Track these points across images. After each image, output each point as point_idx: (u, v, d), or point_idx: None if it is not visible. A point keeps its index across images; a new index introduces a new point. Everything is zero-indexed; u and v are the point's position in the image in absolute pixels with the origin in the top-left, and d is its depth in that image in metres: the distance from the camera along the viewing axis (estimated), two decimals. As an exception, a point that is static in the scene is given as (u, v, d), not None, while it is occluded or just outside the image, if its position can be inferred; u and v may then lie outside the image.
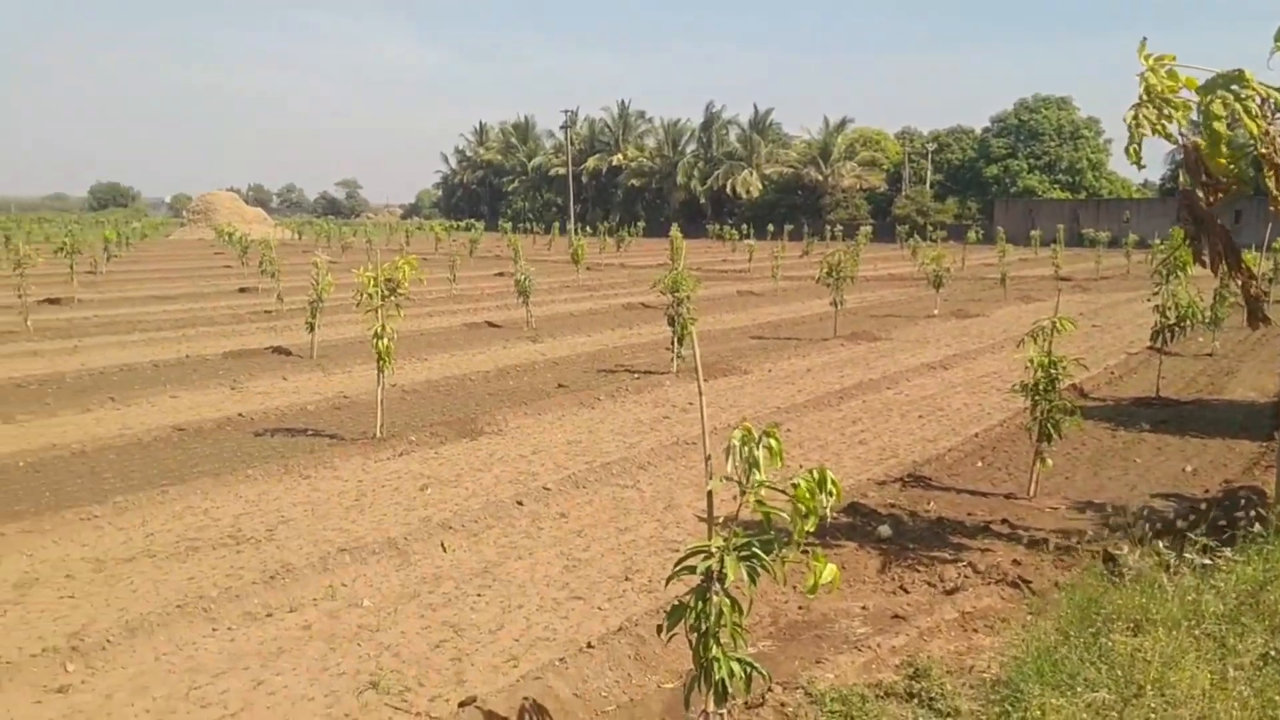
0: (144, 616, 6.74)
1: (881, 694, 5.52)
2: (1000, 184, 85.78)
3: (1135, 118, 6.42)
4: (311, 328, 18.50)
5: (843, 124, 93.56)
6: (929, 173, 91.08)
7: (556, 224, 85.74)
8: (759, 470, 4.14)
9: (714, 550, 4.28)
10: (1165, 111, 6.41)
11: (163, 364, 18.16)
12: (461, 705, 5.51)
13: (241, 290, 33.88)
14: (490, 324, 24.64)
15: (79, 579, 7.62)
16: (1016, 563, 7.79)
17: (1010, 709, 5.24)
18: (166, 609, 6.90)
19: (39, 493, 10.01)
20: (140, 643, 6.40)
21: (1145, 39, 6.51)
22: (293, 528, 8.84)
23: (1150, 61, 6.45)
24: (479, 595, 7.30)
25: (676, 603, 4.50)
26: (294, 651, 6.36)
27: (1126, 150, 6.66)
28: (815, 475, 4.14)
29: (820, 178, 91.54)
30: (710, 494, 4.41)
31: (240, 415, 13.56)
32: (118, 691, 5.82)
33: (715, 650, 4.38)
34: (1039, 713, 5.14)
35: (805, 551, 4.22)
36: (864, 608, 7.16)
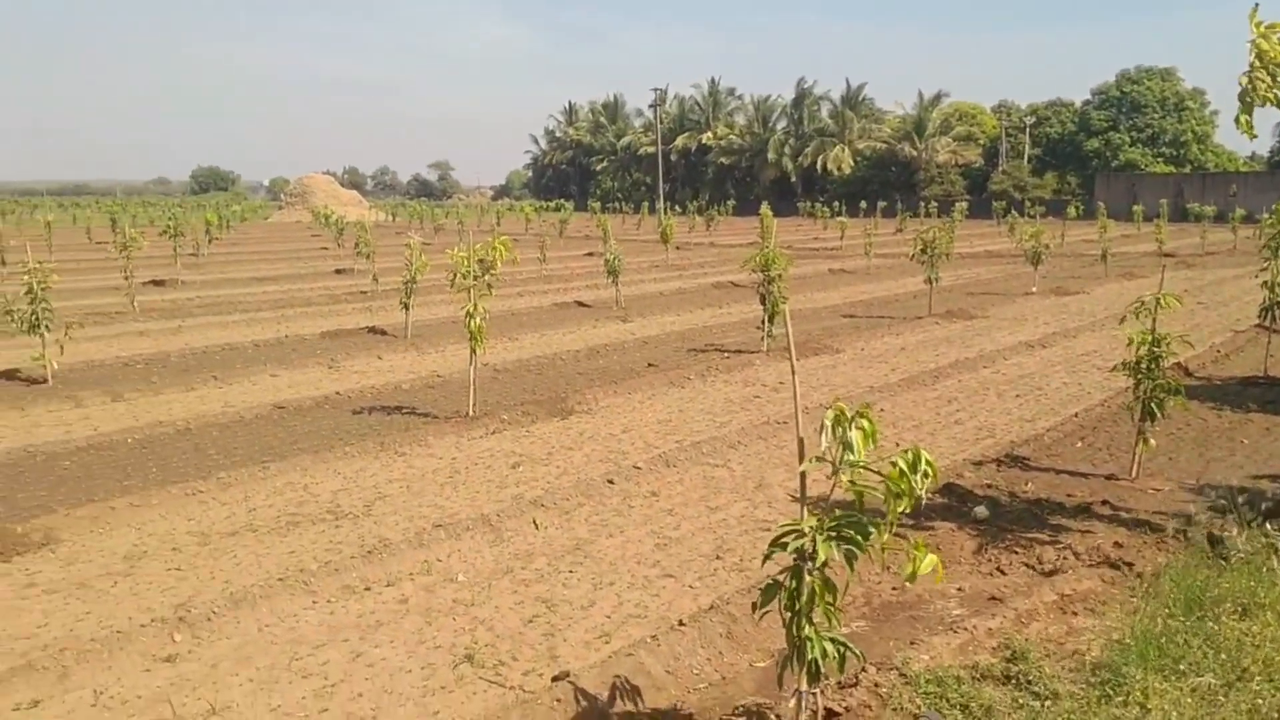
0: (247, 589, 6.93)
1: (978, 676, 5.44)
2: (1101, 158, 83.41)
3: (1250, 82, 6.18)
4: (406, 308, 18.78)
5: (938, 98, 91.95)
6: (1027, 147, 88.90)
7: (646, 203, 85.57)
8: (852, 451, 4.09)
9: (806, 530, 4.25)
10: (1280, 78, 6.16)
11: (263, 343, 18.62)
12: (555, 680, 5.56)
13: (338, 271, 34.52)
14: (580, 304, 24.75)
15: (185, 552, 7.86)
16: (1118, 545, 7.60)
17: (1111, 692, 5.13)
18: (268, 582, 7.08)
19: (146, 468, 10.34)
20: (244, 614, 6.58)
21: (1257, 5, 6.26)
22: (389, 504, 9.00)
23: (1261, 29, 6.20)
24: (571, 572, 7.35)
25: (769, 582, 4.48)
26: (391, 624, 6.49)
27: (1237, 120, 6.44)
28: (910, 456, 4.07)
29: (914, 153, 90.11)
30: (803, 474, 4.37)
31: (337, 394, 13.84)
32: (223, 661, 6.00)
33: (808, 630, 4.35)
34: (1142, 696, 5.03)
35: (898, 535, 4.16)
36: (960, 589, 7.05)
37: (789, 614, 4.39)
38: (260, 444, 11.27)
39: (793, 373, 4.48)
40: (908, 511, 4.13)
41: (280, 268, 36.68)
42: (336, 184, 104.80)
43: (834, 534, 4.19)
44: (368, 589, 7.06)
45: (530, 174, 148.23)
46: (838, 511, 4.27)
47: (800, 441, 4.41)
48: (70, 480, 9.93)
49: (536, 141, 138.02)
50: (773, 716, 5.02)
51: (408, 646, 6.16)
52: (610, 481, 9.47)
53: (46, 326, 14.81)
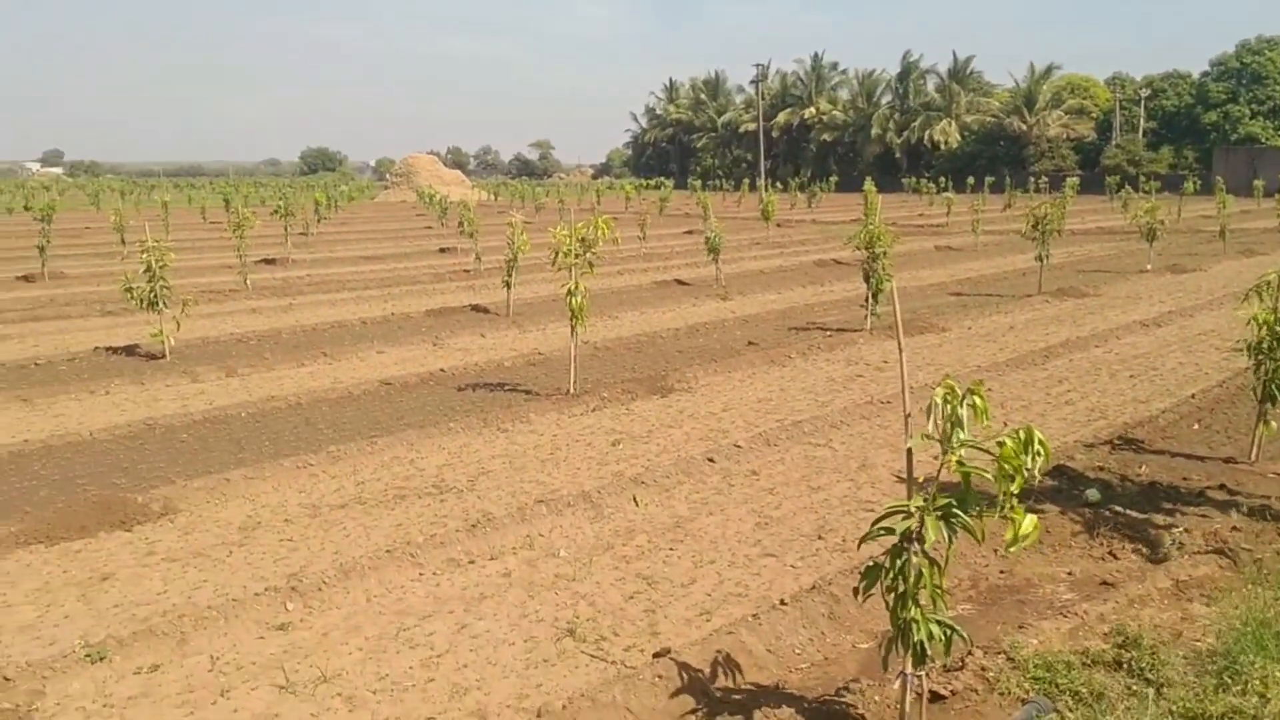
0: (356, 560, 7.08)
1: (1089, 662, 5.30)
2: (1219, 131, 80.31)
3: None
4: (508, 286, 18.96)
5: (1049, 71, 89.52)
6: (1141, 120, 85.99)
7: (746, 180, 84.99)
8: (962, 429, 4.00)
9: (913, 510, 4.18)
10: None
11: (370, 321, 18.98)
12: (656, 656, 5.58)
13: (441, 250, 34.94)
14: (680, 282, 24.69)
15: (296, 523, 8.07)
16: (1236, 530, 7.34)
17: (1229, 681, 4.96)
18: (377, 554, 7.23)
19: (260, 441, 10.64)
20: (353, 585, 6.72)
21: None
22: (492, 479, 9.11)
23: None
24: (671, 549, 7.36)
25: (872, 562, 4.42)
26: (495, 598, 6.58)
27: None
28: (1022, 435, 3.97)
29: (1024, 127, 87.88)
30: (910, 452, 4.30)
31: (442, 370, 14.06)
32: (333, 630, 6.15)
33: (914, 611, 4.28)
34: (1261, 686, 4.86)
35: (1006, 516, 4.06)
36: (1070, 573, 6.89)
37: (893, 595, 4.32)
38: (368, 419, 11.51)
39: (899, 350, 4.39)
40: (1017, 492, 4.03)
41: (386, 246, 37.28)
42: (440, 164, 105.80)
43: (942, 514, 4.11)
44: (472, 562, 7.16)
45: (630, 152, 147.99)
46: (934, 491, 4.19)
47: (908, 419, 4.33)
48: (188, 452, 10.27)
49: (636, 119, 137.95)
50: (877, 698, 4.97)
51: (511, 619, 6.24)
52: (710, 460, 9.46)
53: (164, 303, 15.33)
